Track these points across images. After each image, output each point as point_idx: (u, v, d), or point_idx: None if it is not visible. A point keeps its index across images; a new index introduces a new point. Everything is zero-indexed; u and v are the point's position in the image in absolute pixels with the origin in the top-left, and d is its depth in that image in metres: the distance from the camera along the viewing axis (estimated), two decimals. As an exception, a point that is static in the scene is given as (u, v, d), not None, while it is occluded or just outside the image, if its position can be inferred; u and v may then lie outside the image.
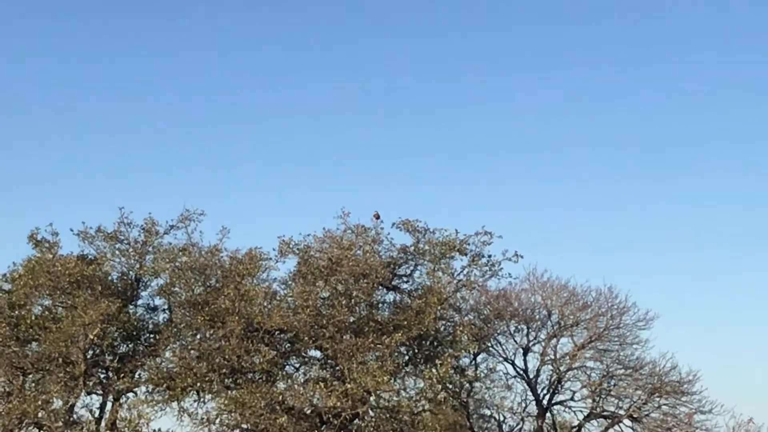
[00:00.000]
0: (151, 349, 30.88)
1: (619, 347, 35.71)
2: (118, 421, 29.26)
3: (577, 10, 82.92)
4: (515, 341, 35.56)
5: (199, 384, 28.97)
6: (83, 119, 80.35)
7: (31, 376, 30.68)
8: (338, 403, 28.13)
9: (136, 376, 30.80)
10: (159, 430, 29.99)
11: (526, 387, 35.27)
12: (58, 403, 29.59)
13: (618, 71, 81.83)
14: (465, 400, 34.11)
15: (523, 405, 35.22)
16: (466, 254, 31.76)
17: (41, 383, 30.39)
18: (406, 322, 29.67)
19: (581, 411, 35.43)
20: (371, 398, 29.25)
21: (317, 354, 31.04)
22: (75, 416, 30.13)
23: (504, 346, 35.49)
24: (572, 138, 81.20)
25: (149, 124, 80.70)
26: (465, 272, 31.96)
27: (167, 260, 31.55)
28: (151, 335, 31.80)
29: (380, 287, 31.61)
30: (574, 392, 35.51)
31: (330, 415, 28.62)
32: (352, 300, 30.31)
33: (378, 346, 28.78)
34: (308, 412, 29.36)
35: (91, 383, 30.57)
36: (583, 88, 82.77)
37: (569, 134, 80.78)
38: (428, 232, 31.92)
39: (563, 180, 79.29)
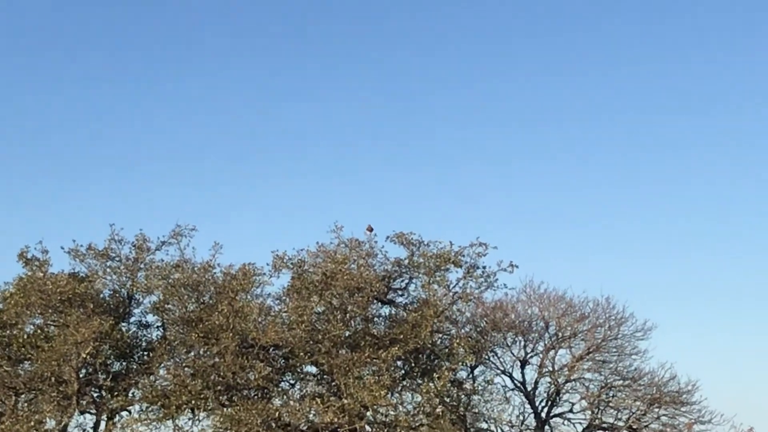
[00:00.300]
0: (145, 367, 30.63)
1: (617, 358, 35.69)
2: (112, 441, 29.02)
3: (578, 10, 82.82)
4: (512, 353, 35.46)
5: (193, 401, 28.78)
6: (72, 136, 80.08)
7: (23, 396, 30.38)
8: (335, 419, 28.04)
9: (130, 394, 30.52)
10: (154, 448, 29.77)
11: (524, 399, 35.12)
12: (51, 423, 29.36)
13: (615, 77, 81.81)
14: (463, 413, 33.87)
15: (522, 418, 35.06)
16: (461, 266, 31.72)
17: (34, 403, 30.10)
18: (402, 336, 29.55)
19: (580, 423, 35.37)
20: (368, 413, 29.14)
21: (313, 369, 30.93)
22: (68, 436, 29.88)
23: (501, 359, 35.43)
24: (566, 146, 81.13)
25: (139, 141, 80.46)
26: (460, 284, 31.98)
27: (160, 277, 31.35)
28: (145, 353, 31.56)
29: (375, 301, 31.54)
30: (573, 404, 35.46)
31: (327, 431, 28.39)
32: (348, 314, 30.23)
33: (374, 360, 28.68)
34: (305, 428, 29.25)
35: (84, 402, 30.35)
36: (576, 95, 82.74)
37: (564, 142, 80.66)
38: (422, 245, 31.85)
39: (557, 189, 79.13)
